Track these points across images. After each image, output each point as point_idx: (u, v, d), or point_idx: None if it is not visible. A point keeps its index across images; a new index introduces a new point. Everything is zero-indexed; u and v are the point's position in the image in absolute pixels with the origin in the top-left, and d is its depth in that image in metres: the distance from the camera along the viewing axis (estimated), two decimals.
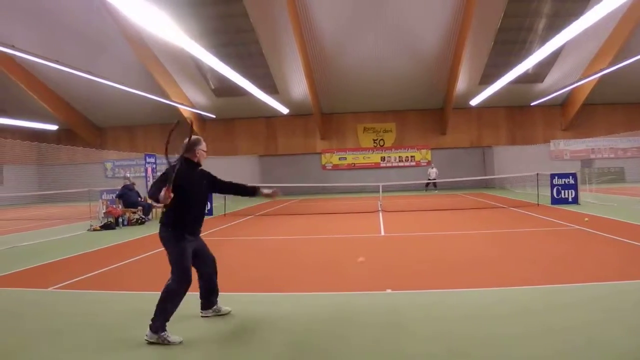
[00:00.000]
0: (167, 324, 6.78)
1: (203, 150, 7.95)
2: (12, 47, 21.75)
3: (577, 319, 7.02)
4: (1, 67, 38.54)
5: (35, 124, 41.08)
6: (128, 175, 31.79)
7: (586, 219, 18.62)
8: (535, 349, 5.92)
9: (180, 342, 6.67)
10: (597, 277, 9.50)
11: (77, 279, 10.75)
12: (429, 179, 43.38)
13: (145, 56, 37.75)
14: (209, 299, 7.90)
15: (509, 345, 6.10)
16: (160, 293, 6.88)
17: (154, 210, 25.43)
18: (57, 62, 24.10)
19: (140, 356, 6.22)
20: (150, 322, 6.75)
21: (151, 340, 6.66)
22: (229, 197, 29.09)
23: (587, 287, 8.82)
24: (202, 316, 7.84)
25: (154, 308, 6.76)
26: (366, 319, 7.49)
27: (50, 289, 9.93)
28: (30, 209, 38.25)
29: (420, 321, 7.25)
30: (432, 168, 44.42)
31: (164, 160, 7.22)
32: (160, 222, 7.35)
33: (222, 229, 20.05)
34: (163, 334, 6.69)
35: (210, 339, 6.80)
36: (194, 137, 7.85)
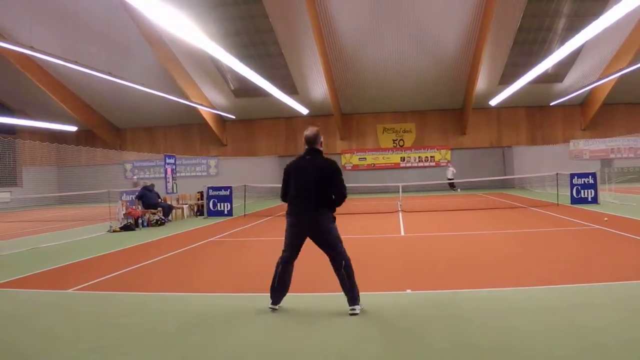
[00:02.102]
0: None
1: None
2: (31, 47, 21.84)
3: (603, 318, 6.95)
4: (20, 68, 38.80)
5: (54, 125, 41.22)
6: (135, 178, 31.86)
7: (606, 218, 18.59)
8: (560, 349, 5.87)
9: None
10: (618, 276, 9.45)
11: (97, 280, 10.77)
12: (449, 179, 43.24)
13: (165, 57, 37.90)
14: None
15: (532, 345, 6.04)
16: (343, 274, 7.85)
17: (173, 211, 25.51)
18: (76, 63, 24.18)
19: (165, 357, 6.23)
20: (350, 299, 7.75)
21: (358, 312, 7.64)
22: (249, 198, 29.04)
23: (609, 287, 8.79)
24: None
25: (174, 309, 6.82)
26: (386, 318, 7.49)
27: (70, 290, 9.95)
28: (50, 211, 38.45)
29: (440, 321, 7.20)
30: (450, 167, 44.28)
31: None
32: (315, 209, 7.87)
33: (242, 230, 20.08)
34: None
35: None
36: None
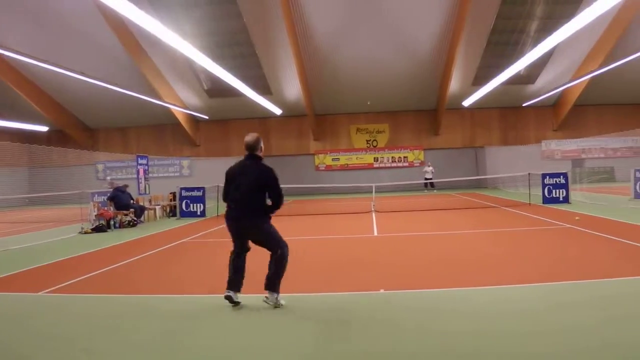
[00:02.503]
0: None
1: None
2: (2, 47, 21.67)
3: (575, 317, 7.04)
4: None
5: (25, 125, 40.87)
6: (108, 178, 31.76)
7: (577, 217, 18.88)
8: (539, 347, 5.93)
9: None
10: (589, 275, 9.60)
11: (68, 283, 10.68)
12: (426, 178, 43.28)
13: (139, 57, 37.64)
14: None
15: (512, 344, 6.10)
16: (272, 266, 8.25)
17: (146, 212, 25.39)
18: (47, 62, 24.00)
19: (139, 356, 6.20)
20: (269, 289, 8.19)
21: (273, 303, 8.12)
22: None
23: (580, 285, 8.92)
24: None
25: (143, 310, 6.79)
26: (361, 318, 7.48)
27: (41, 293, 9.85)
28: (21, 212, 38.17)
29: (416, 320, 7.25)
30: (429, 166, 44.37)
31: None
32: (253, 213, 8.36)
33: (215, 231, 20.01)
34: (279, 295, 8.22)
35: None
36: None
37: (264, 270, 8.25)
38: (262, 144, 8.85)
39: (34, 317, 8.23)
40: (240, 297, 8.31)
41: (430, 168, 43.89)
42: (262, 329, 7.24)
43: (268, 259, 8.30)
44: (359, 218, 22.94)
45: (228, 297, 8.23)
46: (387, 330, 6.91)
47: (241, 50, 38.24)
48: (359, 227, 19.64)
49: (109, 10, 28.83)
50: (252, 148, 8.74)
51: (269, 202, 8.37)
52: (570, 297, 8.16)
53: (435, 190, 43.04)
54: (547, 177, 26.21)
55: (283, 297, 8.28)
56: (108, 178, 35.04)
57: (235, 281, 8.37)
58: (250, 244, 8.59)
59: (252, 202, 8.30)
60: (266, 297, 8.17)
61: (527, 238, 14.85)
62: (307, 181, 44.98)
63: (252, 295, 8.55)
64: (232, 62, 37.35)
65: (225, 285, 8.34)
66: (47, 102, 44.71)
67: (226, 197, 8.61)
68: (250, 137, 8.78)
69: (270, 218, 8.51)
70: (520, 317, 7.19)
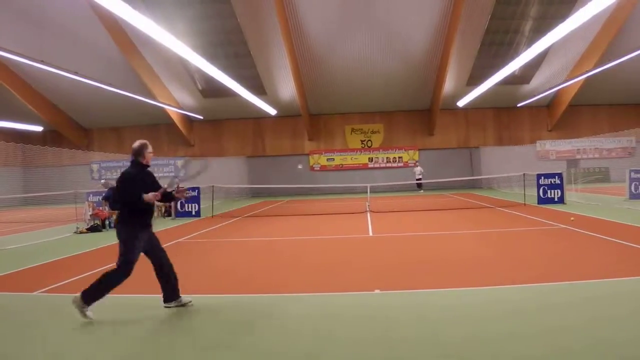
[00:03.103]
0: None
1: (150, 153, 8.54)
2: None
3: (569, 318, 7.04)
4: None
5: (19, 125, 40.86)
6: (102, 180, 31.75)
7: (572, 218, 18.92)
8: (529, 349, 5.93)
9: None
10: (585, 275, 9.62)
11: (63, 283, 10.68)
12: (417, 178, 43.31)
13: (133, 57, 37.60)
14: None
15: (503, 345, 6.11)
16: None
17: None
18: (41, 62, 23.97)
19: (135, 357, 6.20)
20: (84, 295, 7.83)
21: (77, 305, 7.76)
22: (217, 198, 28.92)
23: (575, 286, 8.92)
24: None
25: (141, 309, 6.84)
26: (354, 319, 7.49)
27: (35, 292, 9.86)
28: (15, 212, 38.10)
29: (410, 321, 7.24)
30: (417, 167, 44.41)
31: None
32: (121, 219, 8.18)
33: (210, 231, 20.02)
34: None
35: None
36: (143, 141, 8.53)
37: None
38: (147, 151, 8.53)
39: (27, 316, 8.22)
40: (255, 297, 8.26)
41: (419, 168, 43.92)
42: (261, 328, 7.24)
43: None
44: (354, 218, 22.92)
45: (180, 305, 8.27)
46: (382, 331, 6.91)
47: (235, 50, 38.24)
48: (354, 227, 19.63)
49: (102, 9, 28.81)
50: (136, 154, 8.50)
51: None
52: (563, 298, 8.18)
53: (422, 191, 43.07)
54: (542, 177, 26.21)
55: (284, 297, 8.23)
56: (102, 180, 35.02)
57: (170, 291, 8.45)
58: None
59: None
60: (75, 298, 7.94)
61: (522, 238, 14.85)
62: (302, 181, 44.99)
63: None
64: (226, 61, 37.34)
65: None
66: (41, 102, 44.63)
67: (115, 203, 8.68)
68: (135, 143, 8.58)
69: (133, 226, 8.18)
70: (511, 318, 7.22)
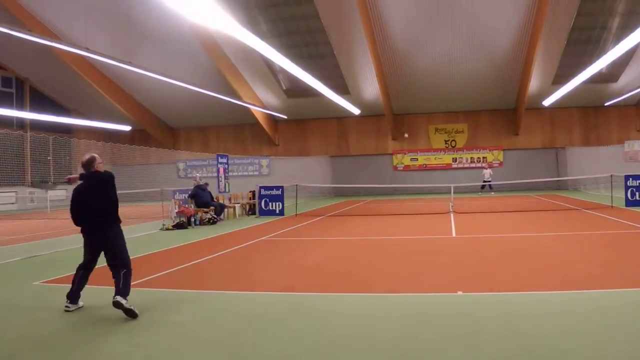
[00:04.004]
0: None
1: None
2: (86, 49, 22.23)
3: None
4: (76, 69, 39.39)
5: (109, 124, 41.95)
6: (197, 175, 32.24)
7: None
8: (617, 356, 5.76)
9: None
10: None
11: (150, 278, 10.95)
12: (484, 181, 42.57)
13: (218, 57, 38.15)
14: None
15: (587, 349, 5.95)
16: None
17: (226, 210, 25.70)
18: (130, 63, 24.54)
19: (221, 352, 6.29)
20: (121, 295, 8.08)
21: (122, 302, 7.93)
22: (300, 197, 29.06)
23: None
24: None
25: (228, 306, 7.05)
26: (437, 321, 7.41)
27: None
28: None
29: (493, 323, 7.12)
30: (487, 169, 43.69)
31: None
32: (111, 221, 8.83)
33: (293, 229, 20.16)
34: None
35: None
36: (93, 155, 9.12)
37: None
38: (96, 162, 9.06)
39: (111, 309, 8.43)
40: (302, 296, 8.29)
41: (489, 171, 43.21)
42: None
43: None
44: (437, 219, 22.76)
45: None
46: (466, 333, 6.85)
47: (319, 50, 38.40)
48: (437, 228, 19.50)
49: (189, 12, 29.26)
50: (86, 166, 8.97)
51: None
52: None
53: (484, 192, 42.36)
54: (631, 179, 25.41)
55: (343, 296, 8.23)
56: (197, 175, 35.63)
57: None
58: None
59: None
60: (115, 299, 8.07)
61: (610, 242, 14.43)
62: (385, 181, 44.82)
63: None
64: (309, 61, 37.51)
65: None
66: (129, 103, 45.74)
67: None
68: (83, 158, 9.06)
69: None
70: (603, 324, 6.99)
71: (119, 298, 7.94)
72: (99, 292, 9.39)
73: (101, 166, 9.00)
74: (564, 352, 5.90)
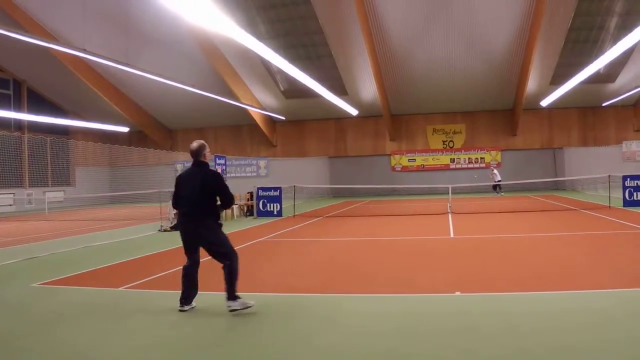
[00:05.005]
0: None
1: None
2: (84, 50, 22.21)
3: None
4: (73, 70, 39.35)
5: (106, 126, 41.93)
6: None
7: None
8: (615, 357, 5.77)
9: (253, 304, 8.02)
10: None
11: (148, 279, 10.94)
12: (495, 181, 42.45)
13: (216, 59, 38.17)
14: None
15: (586, 352, 5.96)
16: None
17: (223, 211, 25.67)
18: (127, 64, 24.53)
19: (215, 355, 6.29)
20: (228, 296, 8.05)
21: (237, 308, 7.94)
22: (298, 198, 29.05)
23: None
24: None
25: (222, 306, 7.03)
26: (435, 321, 7.43)
27: (121, 288, 10.11)
28: (101, 210, 38.99)
29: (491, 324, 7.12)
30: (495, 170, 43.46)
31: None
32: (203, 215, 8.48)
33: (292, 230, 20.17)
34: (241, 300, 8.03)
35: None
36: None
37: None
38: (206, 150, 8.88)
39: (114, 311, 8.42)
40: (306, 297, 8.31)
41: (495, 171, 43.11)
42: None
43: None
44: (436, 219, 22.75)
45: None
46: (461, 333, 6.86)
47: (317, 51, 38.43)
48: (435, 228, 19.50)
49: (187, 14, 29.27)
50: (195, 154, 8.79)
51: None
52: None
53: (502, 193, 42.22)
54: (628, 179, 25.40)
55: (340, 297, 8.25)
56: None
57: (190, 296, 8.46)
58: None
59: (199, 207, 8.45)
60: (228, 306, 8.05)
61: (607, 242, 14.43)
62: (383, 182, 44.84)
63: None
64: (308, 63, 37.55)
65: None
66: (127, 104, 45.74)
67: (175, 203, 8.83)
68: (194, 144, 8.83)
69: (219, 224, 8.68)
70: (598, 325, 6.99)
71: (229, 303, 8.05)
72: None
73: (209, 155, 8.98)
74: (560, 350, 5.91)
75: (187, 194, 8.48)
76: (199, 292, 8.51)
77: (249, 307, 7.96)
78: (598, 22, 35.35)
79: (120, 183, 45.32)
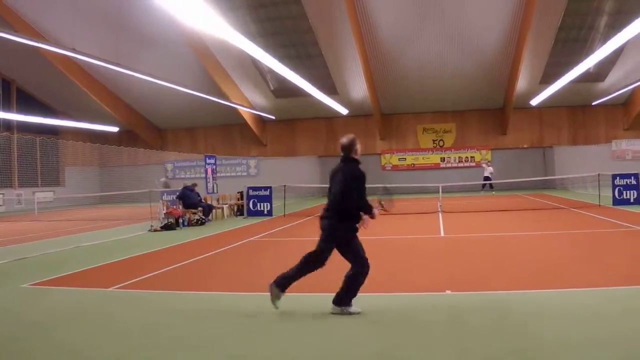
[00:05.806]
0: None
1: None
2: (73, 50, 22.15)
3: None
4: (63, 69, 39.20)
5: (96, 125, 41.75)
6: (162, 180, 32.08)
7: None
8: (604, 355, 5.80)
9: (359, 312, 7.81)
10: None
11: (137, 279, 10.91)
12: (485, 177, 42.40)
13: (206, 58, 38.13)
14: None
15: (577, 349, 5.99)
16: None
17: (214, 211, 25.69)
18: (117, 64, 24.49)
19: (200, 356, 6.29)
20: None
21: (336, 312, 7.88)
22: (289, 198, 29.07)
23: None
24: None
25: (213, 308, 6.99)
26: (425, 319, 7.47)
27: (111, 288, 10.08)
28: (91, 210, 38.89)
29: (481, 323, 7.15)
30: (488, 166, 43.49)
31: None
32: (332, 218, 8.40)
33: (282, 230, 20.19)
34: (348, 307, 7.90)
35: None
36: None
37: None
38: (357, 146, 8.75)
39: (104, 311, 8.41)
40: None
41: (490, 168, 43.12)
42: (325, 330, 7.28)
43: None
44: (426, 218, 22.80)
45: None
46: (452, 332, 6.88)
47: (307, 50, 38.41)
48: (425, 227, 19.58)
49: (177, 13, 29.24)
50: (345, 150, 8.76)
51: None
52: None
53: (493, 192, 42.26)
54: (618, 178, 25.50)
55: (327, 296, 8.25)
56: (162, 179, 35.44)
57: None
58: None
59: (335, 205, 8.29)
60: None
61: (597, 240, 14.55)
62: (373, 181, 44.63)
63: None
64: (298, 62, 37.50)
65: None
66: (117, 104, 45.60)
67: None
68: (344, 139, 8.77)
69: (352, 227, 8.64)
70: (590, 322, 7.04)
71: (333, 307, 8.01)
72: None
73: (359, 151, 8.78)
74: (551, 347, 5.93)
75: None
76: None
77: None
78: (588, 22, 35.44)
79: (110, 183, 45.23)
